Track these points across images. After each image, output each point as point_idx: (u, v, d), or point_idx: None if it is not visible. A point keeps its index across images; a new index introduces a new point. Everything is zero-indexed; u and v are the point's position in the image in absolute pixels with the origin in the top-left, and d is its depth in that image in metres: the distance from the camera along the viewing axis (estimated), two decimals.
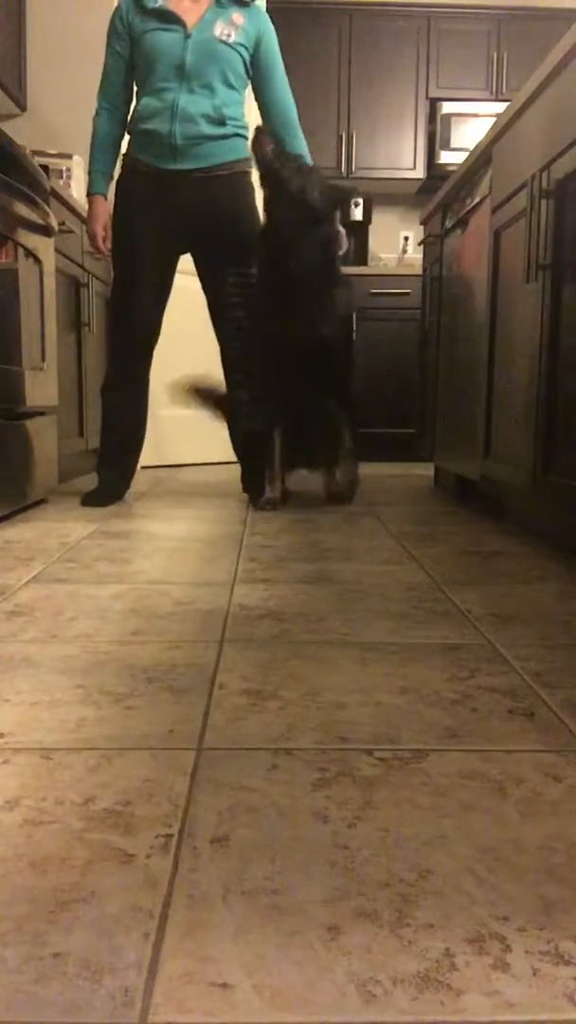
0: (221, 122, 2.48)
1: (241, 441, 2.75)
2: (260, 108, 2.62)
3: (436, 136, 4.52)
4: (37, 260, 2.45)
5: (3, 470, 2.19)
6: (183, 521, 2.30)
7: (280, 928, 0.55)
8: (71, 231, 2.98)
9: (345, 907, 0.57)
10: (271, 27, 2.58)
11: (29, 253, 2.37)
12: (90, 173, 2.62)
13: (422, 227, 3.46)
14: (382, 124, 4.59)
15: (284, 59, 2.63)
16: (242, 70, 2.53)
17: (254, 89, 2.61)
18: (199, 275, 2.68)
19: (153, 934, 0.54)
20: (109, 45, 2.55)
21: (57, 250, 2.75)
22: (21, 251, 2.29)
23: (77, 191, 3.44)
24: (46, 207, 2.48)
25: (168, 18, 2.45)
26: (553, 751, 0.82)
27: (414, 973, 0.51)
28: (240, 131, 2.56)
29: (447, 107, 4.49)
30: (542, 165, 1.84)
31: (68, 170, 3.38)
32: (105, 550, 1.84)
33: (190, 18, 2.46)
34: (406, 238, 4.91)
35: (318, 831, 0.67)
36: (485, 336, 2.34)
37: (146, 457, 3.96)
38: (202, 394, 2.89)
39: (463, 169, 2.60)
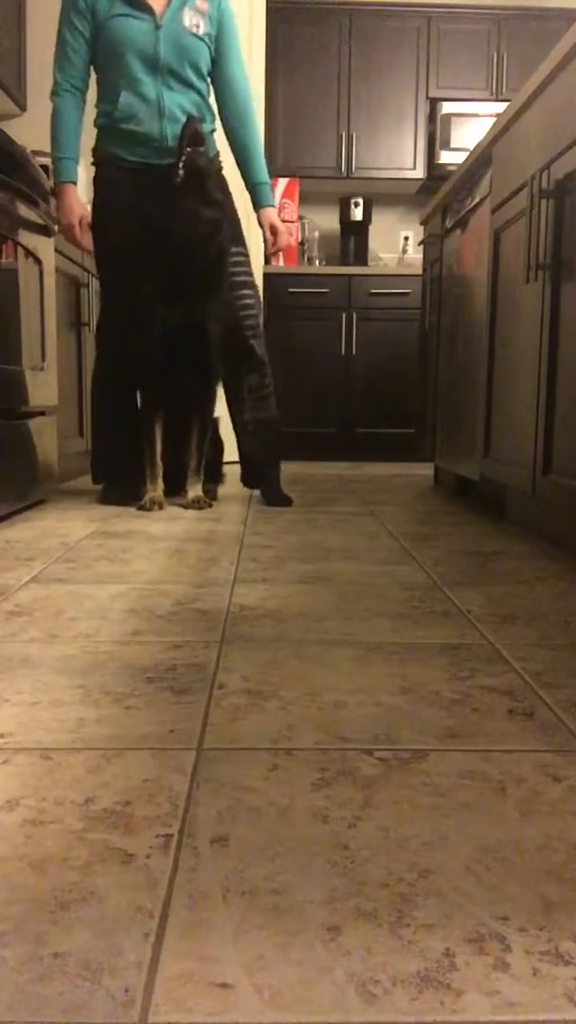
0: (202, 119, 2.44)
1: (254, 432, 2.66)
2: (217, 91, 2.56)
3: (436, 136, 4.52)
4: (37, 260, 2.45)
5: (3, 470, 2.19)
6: (183, 521, 2.30)
7: (280, 928, 0.55)
8: None
9: (345, 907, 0.57)
10: (232, 12, 2.53)
11: (29, 253, 2.37)
12: (57, 160, 2.47)
13: (422, 227, 3.46)
14: (382, 124, 4.59)
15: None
16: (209, 60, 2.49)
17: (214, 71, 2.54)
18: None
19: (153, 934, 0.54)
20: (67, 19, 2.40)
21: (57, 250, 2.75)
22: (21, 251, 2.29)
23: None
24: (46, 207, 2.48)
25: (136, 4, 2.36)
26: (553, 751, 0.82)
27: (414, 973, 0.51)
28: (213, 126, 2.55)
29: (447, 107, 4.49)
30: (542, 165, 1.84)
31: None
32: (105, 550, 1.84)
33: (157, 3, 2.38)
34: (406, 238, 4.90)
35: (318, 831, 0.67)
36: (485, 336, 2.34)
37: None
38: None
39: (463, 169, 2.60)
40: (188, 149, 2.30)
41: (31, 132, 3.59)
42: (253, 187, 2.61)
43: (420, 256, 4.12)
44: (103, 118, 2.48)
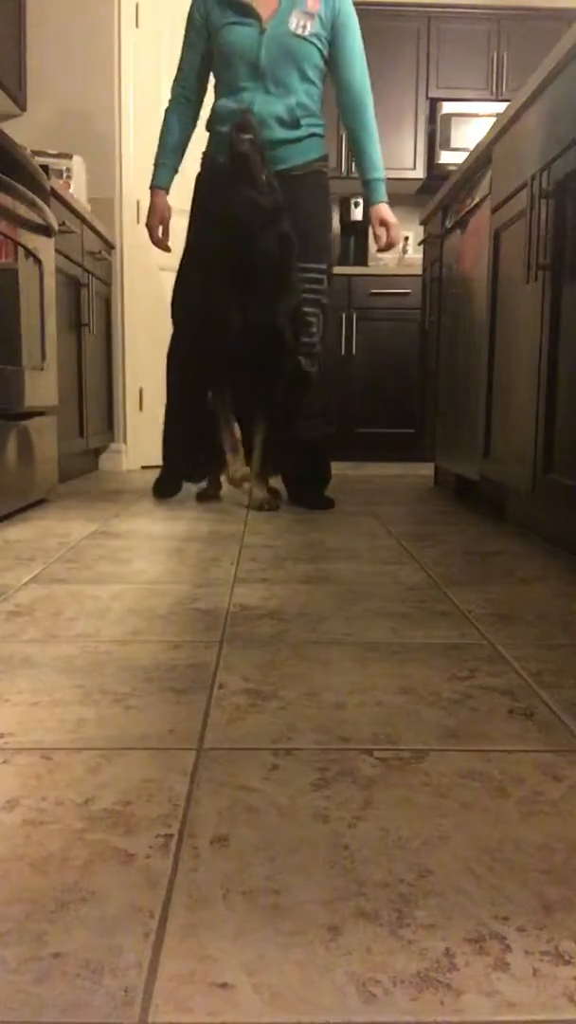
0: (295, 124, 2.47)
1: (300, 451, 2.64)
2: (335, 91, 2.57)
3: (436, 136, 4.52)
4: (37, 260, 2.45)
5: (3, 470, 2.19)
6: (183, 521, 2.30)
7: (280, 928, 0.55)
8: (71, 231, 2.98)
9: (345, 907, 0.57)
10: (352, 12, 2.53)
11: (29, 253, 2.37)
12: (155, 165, 2.62)
13: (422, 227, 3.46)
14: (382, 124, 4.53)
15: None
16: (319, 61, 2.49)
17: (330, 71, 2.55)
18: None
19: (153, 934, 0.54)
20: (186, 35, 2.54)
21: (57, 250, 2.75)
22: (21, 251, 2.29)
23: (77, 191, 3.44)
24: (46, 207, 2.48)
25: (244, 11, 2.41)
26: (553, 751, 0.82)
27: (414, 973, 0.51)
28: (316, 130, 2.54)
29: (447, 107, 4.49)
30: (542, 165, 1.84)
31: (68, 170, 3.38)
32: (105, 550, 1.84)
33: (267, 10, 2.42)
34: (406, 238, 4.90)
35: (318, 831, 0.67)
36: (485, 336, 2.34)
37: (147, 457, 3.97)
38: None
39: (463, 169, 2.60)
40: (236, 135, 2.30)
41: (31, 132, 3.59)
42: (366, 183, 2.62)
43: (420, 256, 4.12)
44: (210, 123, 2.57)
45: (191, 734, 0.85)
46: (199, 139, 2.66)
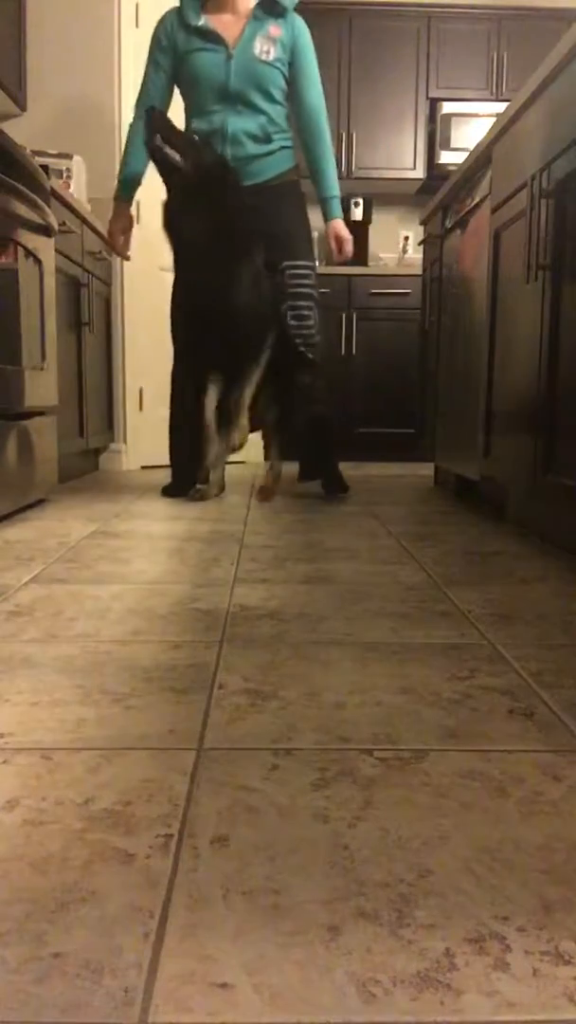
0: (267, 139, 2.65)
1: (306, 429, 2.79)
2: (293, 110, 2.73)
3: (436, 136, 4.52)
4: (37, 260, 2.45)
5: (3, 470, 2.19)
6: (183, 521, 2.30)
7: (280, 928, 0.55)
8: (71, 231, 2.98)
9: (345, 907, 0.57)
10: (306, 32, 2.69)
11: (29, 253, 2.37)
12: (119, 179, 2.77)
13: (422, 227, 3.46)
14: (382, 124, 4.59)
15: None
16: (282, 82, 2.66)
17: (289, 91, 2.71)
18: None
19: (153, 934, 0.54)
20: (151, 56, 2.65)
21: (57, 250, 2.75)
22: (21, 251, 2.29)
23: (77, 191, 3.44)
24: (46, 207, 2.48)
25: (210, 37, 2.56)
26: (553, 751, 0.82)
27: (414, 973, 0.51)
28: (285, 143, 2.71)
29: (447, 107, 4.49)
30: (542, 165, 1.84)
31: (68, 170, 3.38)
32: (105, 550, 1.84)
33: (231, 34, 2.57)
34: (406, 238, 4.90)
35: (318, 831, 0.67)
36: (485, 336, 2.34)
37: (147, 457, 3.97)
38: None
39: (463, 169, 2.60)
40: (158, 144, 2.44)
41: (31, 132, 3.59)
42: (322, 200, 2.80)
43: (420, 256, 4.12)
44: None
45: (191, 734, 0.85)
46: None
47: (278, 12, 2.61)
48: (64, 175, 3.36)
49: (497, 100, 4.54)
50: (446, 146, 4.52)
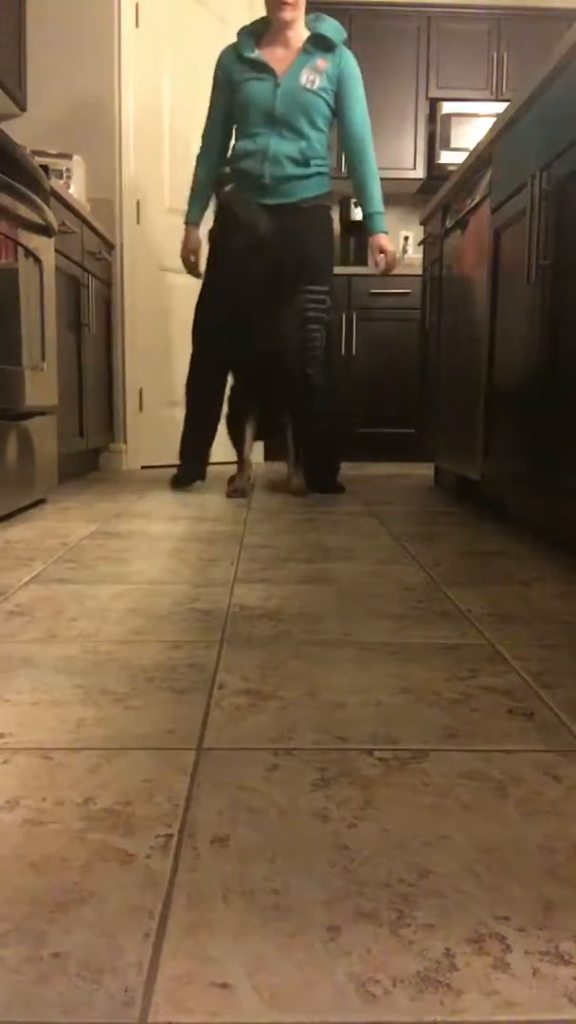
0: (306, 163, 2.85)
1: (310, 444, 3.01)
2: (340, 134, 2.95)
3: (436, 136, 4.52)
4: (37, 260, 2.45)
5: (3, 470, 2.19)
6: (183, 521, 2.30)
7: (280, 928, 0.55)
8: (71, 231, 2.98)
9: (345, 907, 0.57)
10: (353, 66, 2.88)
11: (29, 253, 2.37)
12: (189, 204, 3.05)
13: (422, 227, 3.46)
14: (382, 124, 4.58)
15: None
16: (326, 111, 2.86)
17: (336, 116, 2.92)
18: None
19: (153, 934, 0.54)
20: (213, 94, 2.93)
21: (57, 250, 2.75)
22: (21, 251, 2.29)
23: (77, 191, 3.44)
24: (46, 207, 2.48)
25: (261, 68, 2.81)
26: (553, 751, 0.82)
27: (414, 973, 0.51)
28: (322, 169, 2.92)
29: (447, 107, 4.49)
30: (542, 165, 1.84)
31: (68, 170, 3.38)
32: (105, 550, 1.84)
33: (281, 67, 2.81)
34: (406, 238, 4.90)
35: (318, 831, 0.67)
36: (485, 336, 2.34)
37: (147, 457, 3.97)
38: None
39: (463, 169, 2.60)
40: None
41: (31, 132, 3.59)
42: (367, 216, 2.99)
43: (420, 256, 4.12)
44: (229, 160, 2.94)
45: (191, 734, 0.85)
46: None
47: (327, 47, 2.82)
48: (64, 175, 3.36)
49: (497, 100, 4.54)
50: (446, 146, 4.52)
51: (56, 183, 2.80)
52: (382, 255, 3.00)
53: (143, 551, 1.84)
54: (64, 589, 1.48)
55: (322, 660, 1.10)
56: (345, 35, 2.89)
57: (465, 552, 1.88)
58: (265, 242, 2.74)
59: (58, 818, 0.68)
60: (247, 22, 3.00)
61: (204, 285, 2.99)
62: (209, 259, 2.96)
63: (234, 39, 2.94)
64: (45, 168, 2.62)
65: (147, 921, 0.55)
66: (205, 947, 0.53)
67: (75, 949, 0.52)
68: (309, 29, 2.84)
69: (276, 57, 2.82)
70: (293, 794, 0.73)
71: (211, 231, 2.95)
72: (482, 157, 2.39)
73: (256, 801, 0.71)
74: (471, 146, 4.33)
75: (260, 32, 2.87)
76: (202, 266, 3.05)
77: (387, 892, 0.59)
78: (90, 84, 3.68)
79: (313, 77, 2.79)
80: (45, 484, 2.59)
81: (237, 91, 2.84)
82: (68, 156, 3.41)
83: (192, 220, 3.05)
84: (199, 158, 3.01)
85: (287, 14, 2.77)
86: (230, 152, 2.95)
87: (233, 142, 2.94)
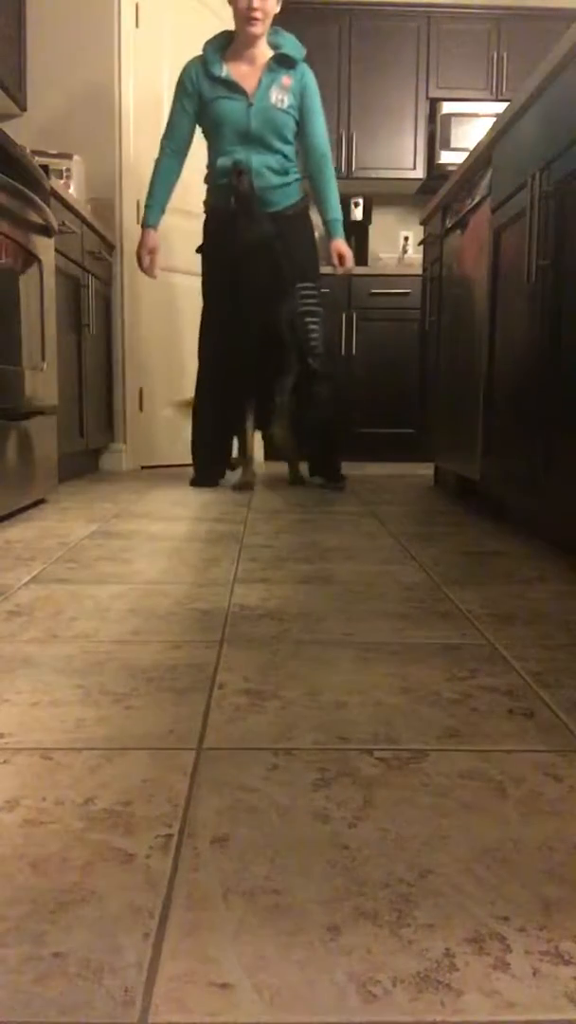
0: (284, 173, 3.07)
1: (313, 432, 3.21)
2: (301, 146, 3.15)
3: (436, 136, 4.52)
4: (37, 260, 2.45)
5: (3, 470, 2.19)
6: (183, 521, 2.30)
7: (280, 928, 0.55)
8: (71, 231, 2.98)
9: (345, 907, 0.57)
10: (313, 81, 3.08)
11: (29, 253, 2.36)
12: (147, 207, 3.12)
13: (422, 227, 3.46)
14: (382, 124, 4.59)
15: None
16: (294, 125, 3.07)
17: (298, 131, 3.12)
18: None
19: (153, 934, 0.54)
20: (177, 99, 3.03)
21: (57, 250, 2.75)
22: (21, 251, 2.29)
23: (77, 191, 3.44)
24: (46, 207, 2.48)
25: (232, 87, 2.96)
26: (553, 751, 0.82)
27: (414, 973, 0.51)
28: (298, 176, 3.14)
29: (447, 107, 4.49)
30: (542, 165, 1.84)
31: (68, 170, 3.38)
32: (105, 550, 1.84)
33: (249, 83, 2.97)
34: (406, 238, 4.90)
35: (318, 831, 0.67)
36: (485, 336, 2.34)
37: (147, 457, 3.97)
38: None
39: (463, 169, 2.60)
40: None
41: (31, 132, 3.59)
42: (326, 223, 3.19)
43: (420, 256, 4.12)
44: (209, 176, 3.11)
45: (191, 734, 0.85)
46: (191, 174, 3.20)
47: (289, 64, 3.01)
48: (64, 175, 3.36)
49: (497, 100, 4.54)
50: (446, 146, 4.52)
51: (56, 183, 2.80)
52: (339, 258, 3.21)
53: (143, 551, 1.84)
54: (64, 589, 1.48)
55: (322, 660, 1.10)
56: (304, 51, 3.07)
57: (465, 552, 1.88)
58: (270, 246, 2.96)
59: (58, 818, 0.68)
60: None
61: (206, 299, 3.16)
62: (207, 274, 3.14)
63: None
64: (45, 168, 2.62)
65: (147, 921, 0.55)
66: (205, 947, 0.53)
67: (75, 949, 0.52)
68: (270, 44, 3.01)
69: (242, 73, 2.98)
70: (293, 794, 0.73)
71: (205, 247, 3.14)
72: (482, 157, 2.39)
73: (256, 801, 0.71)
74: (471, 146, 4.34)
75: (225, 47, 3.01)
76: (156, 268, 3.22)
77: (387, 892, 0.59)
78: (90, 84, 3.68)
79: (281, 96, 2.99)
80: (45, 484, 2.59)
81: (208, 107, 2.98)
82: (68, 156, 3.41)
83: (151, 223, 3.14)
84: (160, 162, 3.09)
85: (257, 28, 2.92)
86: (209, 170, 3.11)
87: (207, 161, 3.10)
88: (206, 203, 3.17)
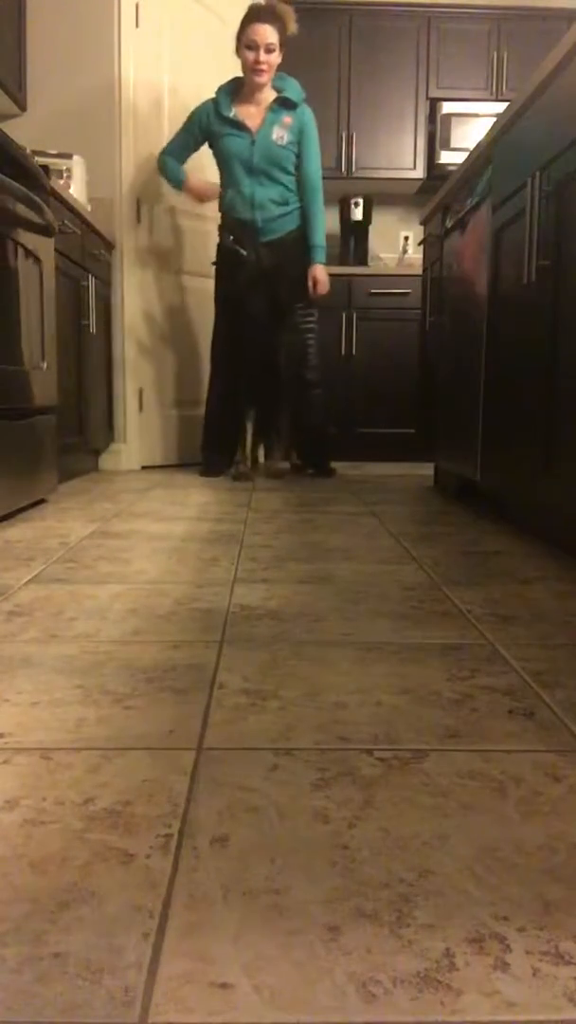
0: (285, 203, 3.49)
1: (309, 432, 3.67)
2: (297, 176, 3.51)
3: (436, 136, 4.52)
4: (37, 260, 2.45)
5: (3, 470, 2.19)
6: (183, 521, 2.30)
7: (280, 928, 0.55)
8: (71, 231, 2.98)
9: (345, 907, 0.57)
10: (311, 121, 3.48)
11: (29, 253, 2.36)
12: (169, 178, 3.61)
13: (422, 227, 3.46)
14: (382, 124, 4.59)
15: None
16: (293, 159, 3.47)
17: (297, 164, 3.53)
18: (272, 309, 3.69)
19: (153, 934, 0.54)
20: (189, 125, 3.50)
21: (57, 250, 2.74)
22: (21, 251, 2.29)
23: (77, 191, 3.44)
24: (46, 207, 2.48)
25: (238, 126, 3.41)
26: (553, 751, 0.82)
27: (414, 973, 0.51)
28: (296, 205, 3.52)
29: (447, 107, 4.49)
30: (542, 165, 1.84)
31: (68, 170, 3.38)
32: (105, 550, 1.84)
33: (254, 122, 3.42)
34: (406, 238, 4.90)
35: (318, 831, 0.67)
36: (485, 336, 2.34)
37: (147, 457, 3.97)
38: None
39: (463, 169, 2.60)
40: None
41: (31, 132, 3.59)
42: (309, 247, 3.55)
43: (420, 256, 4.12)
44: (221, 207, 3.55)
45: (191, 734, 0.85)
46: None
47: (290, 106, 3.42)
48: (64, 175, 3.36)
49: (497, 100, 4.54)
50: (446, 146, 4.52)
51: (56, 183, 2.80)
52: (313, 283, 3.54)
53: (143, 551, 1.84)
54: (64, 589, 1.48)
55: (322, 660, 1.10)
56: (304, 94, 3.47)
57: (465, 552, 1.88)
58: (268, 275, 3.37)
59: (58, 818, 0.68)
60: None
61: (217, 313, 3.56)
62: (218, 292, 3.53)
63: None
64: (45, 168, 2.62)
65: (147, 921, 0.55)
66: (205, 947, 0.53)
67: (75, 949, 0.52)
68: (275, 88, 3.42)
69: (249, 114, 3.42)
70: (293, 794, 0.73)
71: (217, 270, 3.52)
72: (482, 157, 2.39)
73: (256, 801, 0.71)
74: (471, 146, 4.34)
75: (235, 90, 3.45)
76: (207, 189, 3.63)
77: (387, 892, 0.59)
78: (90, 84, 3.68)
79: (281, 133, 3.41)
80: (45, 484, 2.59)
81: (217, 141, 3.45)
82: (68, 156, 3.41)
83: (182, 177, 3.58)
84: (166, 159, 3.57)
85: (263, 78, 3.36)
86: (221, 202, 3.54)
87: (221, 193, 3.54)
88: (220, 230, 3.54)
